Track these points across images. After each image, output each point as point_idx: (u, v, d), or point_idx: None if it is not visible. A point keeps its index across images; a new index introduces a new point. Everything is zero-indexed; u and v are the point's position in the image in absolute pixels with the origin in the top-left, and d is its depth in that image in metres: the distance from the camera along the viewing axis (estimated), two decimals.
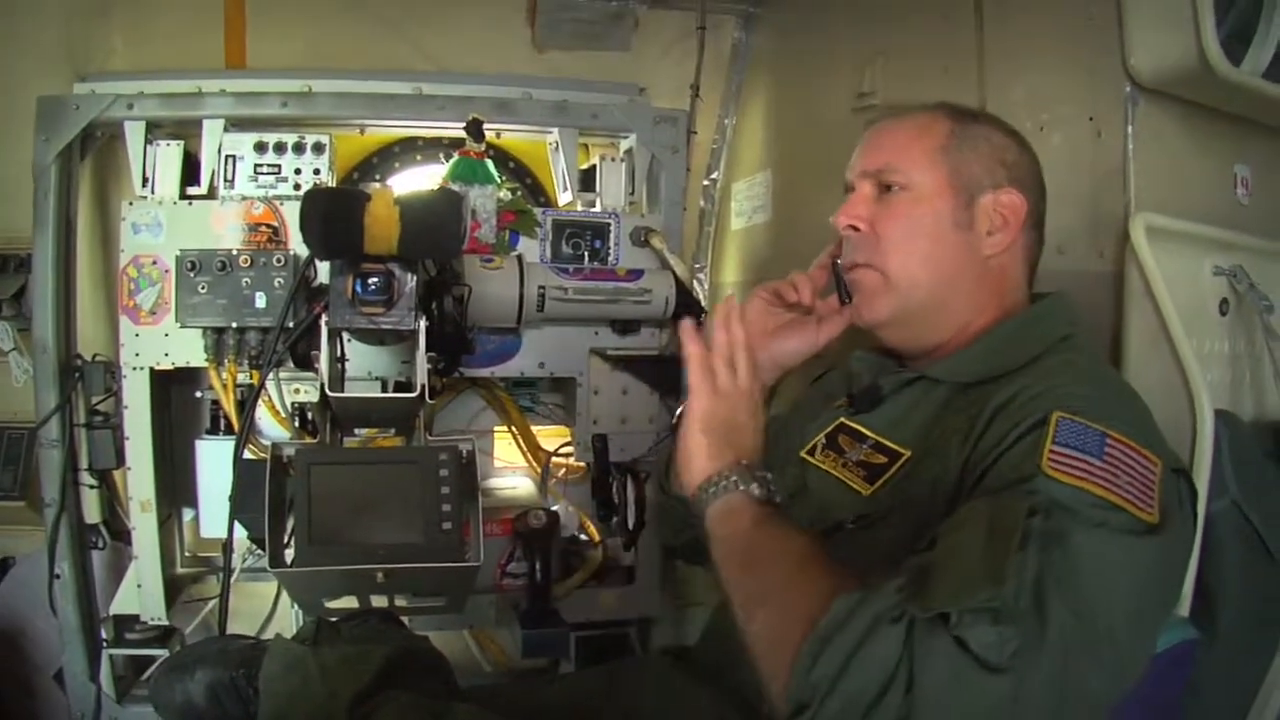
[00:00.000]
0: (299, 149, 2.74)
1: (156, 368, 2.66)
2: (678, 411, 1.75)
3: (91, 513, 2.88)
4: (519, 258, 2.68)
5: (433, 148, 3.57)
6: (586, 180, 3.12)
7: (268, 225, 2.66)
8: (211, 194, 2.74)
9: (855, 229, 1.73)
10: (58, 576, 2.77)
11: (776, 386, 1.96)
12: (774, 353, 1.89)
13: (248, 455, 2.56)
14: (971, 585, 1.15)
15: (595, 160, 3.11)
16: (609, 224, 2.90)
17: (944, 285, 1.67)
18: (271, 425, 2.81)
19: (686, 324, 1.66)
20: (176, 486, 2.94)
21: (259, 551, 2.70)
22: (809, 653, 1.18)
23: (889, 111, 1.81)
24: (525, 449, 3.09)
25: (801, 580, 1.31)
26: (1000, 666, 1.10)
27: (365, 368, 2.69)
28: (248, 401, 2.57)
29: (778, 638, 1.26)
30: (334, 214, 2.02)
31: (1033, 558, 1.16)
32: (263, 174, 2.73)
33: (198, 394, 2.92)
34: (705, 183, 3.98)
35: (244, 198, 2.70)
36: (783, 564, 1.36)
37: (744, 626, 1.34)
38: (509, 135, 3.46)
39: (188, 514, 3.07)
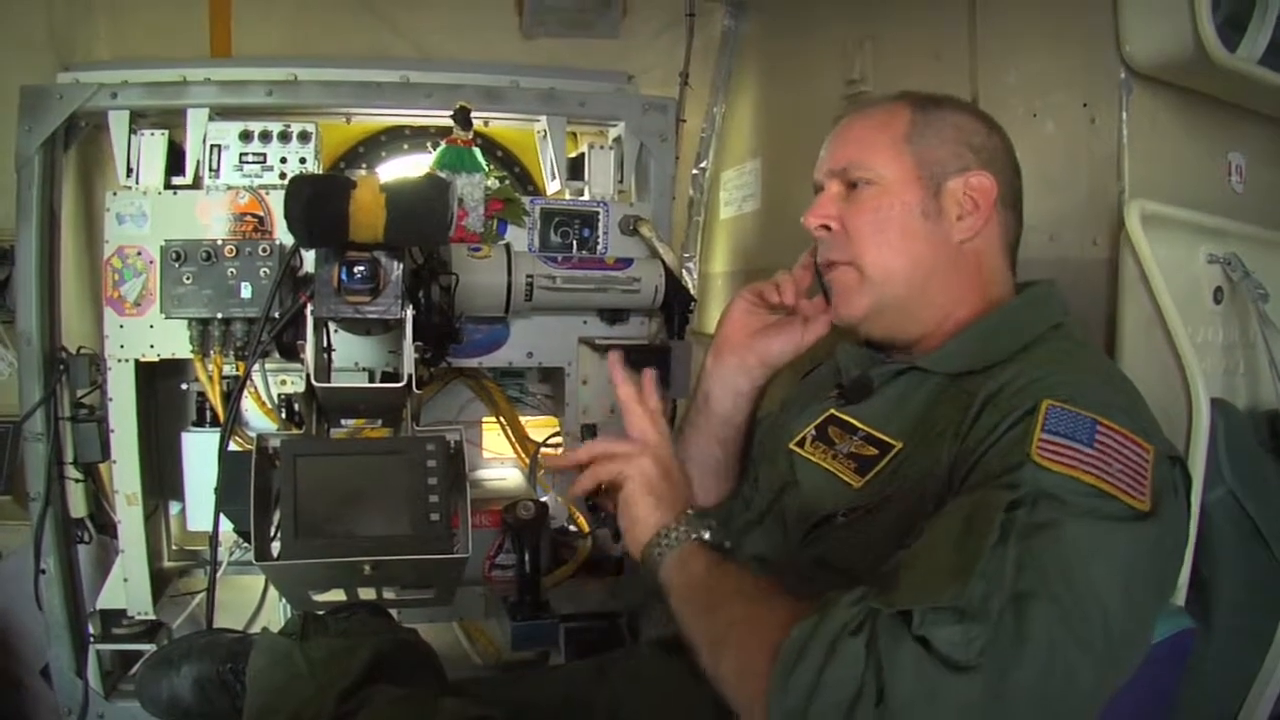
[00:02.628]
0: (285, 138, 2.73)
1: (141, 360, 2.65)
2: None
3: (77, 507, 2.87)
4: (507, 246, 2.67)
5: (420, 136, 3.56)
6: (575, 169, 3.12)
7: (253, 215, 2.64)
8: (196, 184, 2.73)
9: (827, 228, 1.72)
10: (43, 571, 2.75)
11: (766, 386, 1.95)
12: (761, 352, 1.89)
13: (234, 447, 2.55)
14: (936, 582, 1.15)
15: (584, 148, 3.11)
16: (597, 212, 2.90)
17: (919, 275, 1.65)
18: (258, 417, 2.80)
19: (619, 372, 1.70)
20: (163, 479, 2.94)
21: (246, 545, 2.69)
22: (777, 682, 1.17)
23: (854, 106, 1.80)
24: (513, 440, 3.08)
25: (762, 613, 1.31)
26: (968, 665, 1.09)
27: (352, 358, 2.68)
28: (233, 393, 2.55)
29: (745, 673, 1.27)
30: (318, 201, 1.99)
31: (1013, 550, 1.15)
32: (248, 163, 2.72)
33: (183, 386, 2.91)
34: (694, 171, 3.98)
35: (229, 187, 2.69)
36: (741, 602, 1.37)
37: (712, 670, 1.34)
38: (497, 123, 3.45)
39: (174, 507, 3.06)
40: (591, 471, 1.62)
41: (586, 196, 3.04)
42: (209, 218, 2.65)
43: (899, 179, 1.65)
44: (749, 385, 1.92)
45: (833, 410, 1.74)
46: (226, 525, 2.43)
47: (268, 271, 2.54)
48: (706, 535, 1.50)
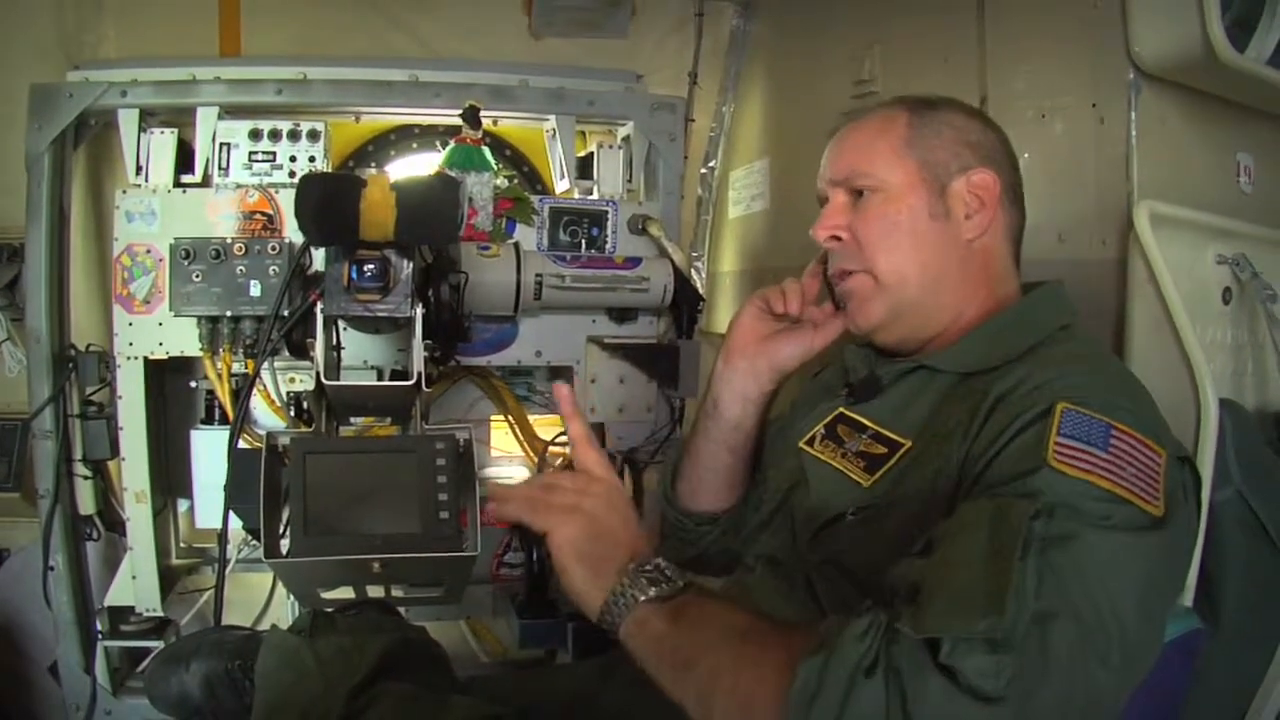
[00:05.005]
0: (294, 136, 2.73)
1: (151, 357, 2.66)
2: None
3: (86, 504, 2.86)
4: (516, 245, 2.67)
5: (429, 135, 3.55)
6: (584, 168, 3.12)
7: (262, 213, 2.65)
8: (206, 182, 2.73)
9: (837, 239, 1.73)
10: (52, 568, 2.76)
11: (776, 391, 1.96)
12: (771, 357, 1.89)
13: (243, 445, 2.55)
14: (968, 609, 1.12)
15: (593, 148, 3.11)
16: (606, 212, 2.90)
17: (931, 278, 1.67)
18: (267, 415, 2.80)
19: (496, 491, 1.60)
20: (171, 477, 2.94)
21: (254, 542, 2.69)
22: None
23: (850, 117, 1.80)
24: (522, 438, 3.08)
25: (751, 656, 1.26)
26: (996, 696, 1.08)
27: (361, 356, 2.68)
28: (242, 391, 2.55)
29: (747, 718, 1.22)
30: (330, 199, 2.00)
31: (1032, 564, 1.14)
32: (257, 162, 2.72)
33: (192, 384, 2.91)
34: (703, 170, 3.98)
35: (238, 186, 2.69)
36: (722, 648, 1.29)
37: None
38: (506, 122, 3.44)
39: (183, 505, 3.07)
40: (518, 506, 1.54)
41: (595, 195, 3.05)
42: (218, 216, 2.66)
43: (903, 184, 1.66)
44: (758, 391, 1.92)
45: (842, 409, 1.74)
46: (235, 522, 2.43)
47: (277, 270, 2.54)
48: (652, 591, 1.39)
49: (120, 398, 2.67)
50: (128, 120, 2.71)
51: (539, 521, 1.50)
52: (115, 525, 2.95)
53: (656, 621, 1.37)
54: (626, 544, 1.47)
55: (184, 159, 2.73)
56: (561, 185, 3.16)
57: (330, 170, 2.83)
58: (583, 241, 2.87)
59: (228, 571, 2.57)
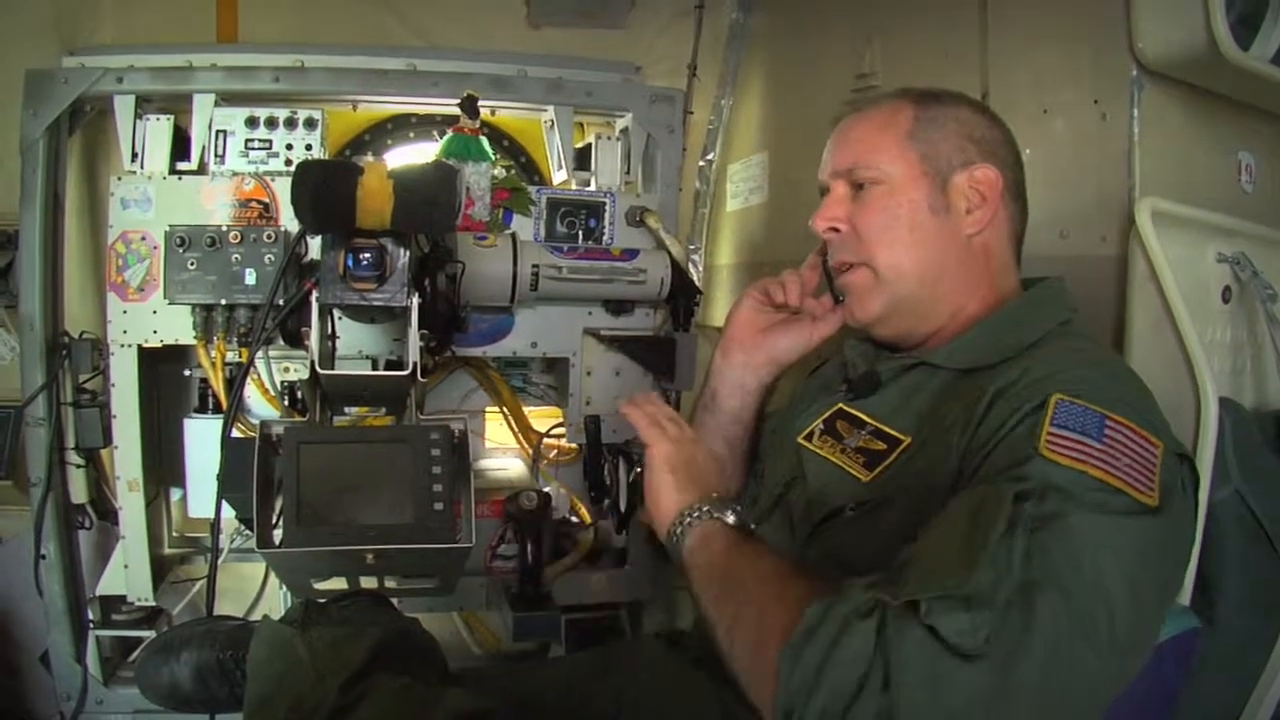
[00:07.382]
0: (291, 124, 2.72)
1: (144, 345, 2.64)
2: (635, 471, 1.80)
3: (78, 492, 2.86)
4: (513, 236, 2.66)
5: (426, 125, 3.54)
6: (582, 159, 3.11)
7: (258, 201, 2.63)
8: (202, 169, 2.71)
9: (836, 230, 1.72)
10: (44, 557, 2.75)
11: (774, 384, 1.95)
12: (769, 350, 1.90)
13: (236, 434, 2.53)
14: (942, 572, 1.15)
15: (591, 139, 3.10)
16: (604, 203, 2.89)
17: (931, 272, 1.66)
18: (261, 404, 2.79)
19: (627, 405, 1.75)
20: (164, 466, 2.92)
21: (247, 532, 2.68)
22: (787, 660, 1.18)
23: (853, 107, 1.80)
24: (517, 430, 3.07)
25: (779, 594, 1.31)
26: (974, 653, 1.09)
27: (356, 346, 2.66)
28: (236, 380, 2.54)
29: (757, 649, 1.27)
30: (326, 186, 1.98)
31: (1020, 542, 1.15)
32: (254, 149, 2.70)
33: (186, 372, 2.89)
34: (701, 163, 3.96)
35: (234, 173, 2.67)
36: (757, 581, 1.37)
37: (727, 648, 1.35)
38: (503, 113, 3.42)
39: (175, 494, 3.05)
40: (641, 417, 1.70)
41: (593, 187, 3.04)
42: (213, 203, 2.64)
43: (905, 176, 1.65)
44: (756, 383, 1.93)
45: (841, 404, 1.74)
46: (228, 512, 2.42)
47: (272, 258, 2.53)
48: (730, 518, 1.50)
49: (113, 386, 2.66)
50: (123, 106, 2.69)
51: (648, 433, 1.66)
52: (107, 514, 2.94)
53: (716, 543, 1.48)
54: (716, 484, 1.63)
55: (180, 146, 2.72)
56: (559, 176, 3.15)
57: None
58: (580, 233, 2.86)
59: (220, 561, 2.55)
